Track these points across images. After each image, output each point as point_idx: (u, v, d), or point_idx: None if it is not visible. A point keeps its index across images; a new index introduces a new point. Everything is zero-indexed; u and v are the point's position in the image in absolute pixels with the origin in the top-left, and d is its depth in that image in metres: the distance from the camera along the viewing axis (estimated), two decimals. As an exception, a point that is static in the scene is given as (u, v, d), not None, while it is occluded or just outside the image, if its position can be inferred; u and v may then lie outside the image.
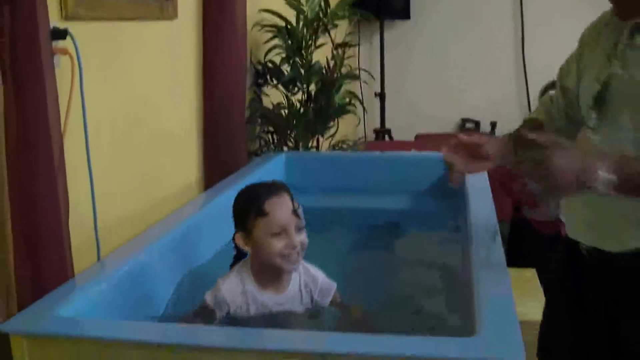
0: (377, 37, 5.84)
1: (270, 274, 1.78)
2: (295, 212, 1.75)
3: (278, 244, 1.72)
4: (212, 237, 2.37)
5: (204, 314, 1.76)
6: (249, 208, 1.76)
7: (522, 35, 5.87)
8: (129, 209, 2.24)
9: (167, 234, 2.08)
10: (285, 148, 3.39)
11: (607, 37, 1.60)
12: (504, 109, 5.91)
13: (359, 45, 5.35)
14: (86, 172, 1.91)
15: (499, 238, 1.93)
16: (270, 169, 3.00)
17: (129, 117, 2.24)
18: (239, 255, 1.88)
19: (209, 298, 1.77)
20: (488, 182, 2.60)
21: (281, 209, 1.74)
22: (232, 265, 1.90)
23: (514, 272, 2.60)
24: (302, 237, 1.75)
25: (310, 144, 3.46)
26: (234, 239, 1.83)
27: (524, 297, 2.62)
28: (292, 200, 1.77)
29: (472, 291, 1.59)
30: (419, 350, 1.32)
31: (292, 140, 3.38)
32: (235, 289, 1.77)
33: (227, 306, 1.76)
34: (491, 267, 1.72)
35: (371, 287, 1.93)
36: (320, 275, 1.84)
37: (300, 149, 3.39)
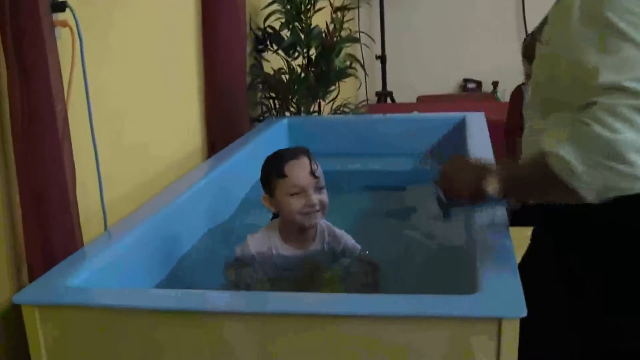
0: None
1: (293, 230, 1.89)
2: (313, 173, 1.85)
3: (297, 203, 1.83)
4: (218, 203, 2.40)
5: (237, 265, 1.89)
6: (271, 171, 1.88)
7: (523, -7, 5.86)
8: (134, 178, 2.26)
9: (173, 201, 2.11)
10: (287, 113, 3.40)
11: None
12: (505, 68, 5.87)
13: (358, 7, 5.31)
14: (90, 143, 1.92)
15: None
16: (272, 134, 3.02)
17: (131, 87, 2.25)
18: (274, 217, 1.99)
19: (238, 252, 1.90)
20: (489, 141, 2.62)
21: (299, 170, 1.84)
22: None
23: (513, 231, 2.62)
24: (321, 197, 1.86)
25: (312, 109, 3.47)
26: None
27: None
28: (312, 162, 1.87)
29: (474, 250, 1.62)
30: (419, 309, 1.34)
31: (294, 105, 3.39)
32: (262, 244, 1.90)
33: (254, 259, 1.88)
34: (493, 226, 1.75)
35: (375, 248, 1.95)
36: (345, 237, 1.94)
37: (302, 113, 3.40)
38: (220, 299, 1.52)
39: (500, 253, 1.57)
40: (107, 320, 1.46)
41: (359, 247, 1.95)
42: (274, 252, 1.90)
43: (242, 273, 1.87)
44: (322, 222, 1.92)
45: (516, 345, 1.30)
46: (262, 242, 1.90)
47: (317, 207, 1.84)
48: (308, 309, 1.40)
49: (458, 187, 1.62)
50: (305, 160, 1.86)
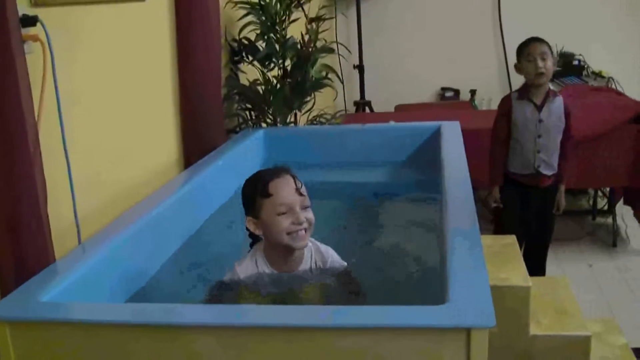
0: (353, 9, 5.83)
1: (281, 253, 1.85)
2: (298, 190, 1.81)
3: (285, 222, 1.79)
4: (194, 216, 2.40)
5: (223, 290, 1.84)
6: (254, 192, 1.83)
7: (499, 2, 5.89)
8: (109, 191, 2.25)
9: (148, 214, 2.10)
10: (263, 124, 3.41)
11: None
12: (482, 76, 5.94)
13: (335, 18, 5.34)
14: (63, 157, 1.92)
15: (472, 206, 1.96)
16: (248, 145, 3.02)
17: (104, 101, 2.24)
18: (253, 242, 1.95)
19: (227, 279, 1.85)
20: (464, 148, 2.64)
21: (284, 188, 1.80)
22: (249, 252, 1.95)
23: (494, 239, 2.64)
24: (308, 215, 1.82)
25: (288, 119, 3.48)
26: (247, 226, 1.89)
27: (505, 264, 2.66)
28: (296, 180, 1.83)
29: (444, 259, 1.63)
30: (388, 320, 1.35)
31: (270, 116, 3.39)
32: (251, 270, 1.85)
33: (245, 287, 1.83)
34: (464, 233, 1.76)
35: (349, 259, 1.96)
36: (330, 254, 1.91)
37: (278, 124, 3.40)
38: (194, 313, 1.52)
39: (471, 262, 1.58)
40: (80, 335, 1.46)
41: (344, 264, 1.92)
42: (263, 277, 1.85)
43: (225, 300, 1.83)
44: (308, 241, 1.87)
45: (485, 354, 1.31)
46: (250, 268, 1.85)
47: (305, 225, 1.80)
48: (277, 322, 1.40)
49: None
50: (289, 178, 1.83)
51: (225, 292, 1.83)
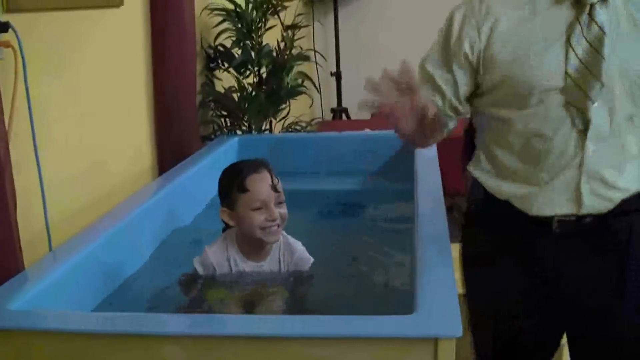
0: (331, 17, 5.85)
1: (252, 245, 1.91)
2: (274, 187, 1.87)
3: (259, 218, 1.85)
4: (167, 223, 2.39)
5: (190, 280, 1.92)
6: (232, 185, 1.88)
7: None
8: (82, 200, 2.24)
9: (121, 221, 2.09)
10: (238, 132, 3.41)
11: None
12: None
13: (313, 25, 5.35)
14: (34, 163, 1.91)
15: (444, 215, 1.98)
16: (223, 152, 3.01)
17: (78, 107, 2.23)
18: (227, 227, 1.99)
19: (197, 264, 1.92)
20: (437, 157, 2.65)
21: (261, 185, 1.86)
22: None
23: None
24: (281, 210, 1.88)
25: (263, 127, 3.48)
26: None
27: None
28: (272, 176, 1.89)
29: (414, 268, 1.64)
30: (355, 330, 1.36)
31: (245, 123, 3.40)
32: (221, 255, 1.92)
33: (214, 269, 1.91)
34: (434, 243, 1.77)
35: (320, 268, 1.96)
36: (298, 248, 1.96)
37: (254, 132, 3.41)
38: (164, 322, 1.52)
39: (440, 272, 1.59)
40: (49, 344, 1.45)
41: (311, 259, 1.96)
42: (232, 264, 1.91)
43: (194, 290, 1.89)
44: None
45: (453, 364, 1.32)
46: (221, 253, 1.92)
47: (278, 221, 1.86)
48: (245, 331, 1.40)
49: None
50: (266, 174, 1.88)
51: (191, 285, 1.90)
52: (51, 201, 1.98)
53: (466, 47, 1.61)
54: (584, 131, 1.53)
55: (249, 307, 1.81)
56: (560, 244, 1.60)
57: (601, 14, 1.51)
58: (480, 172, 1.70)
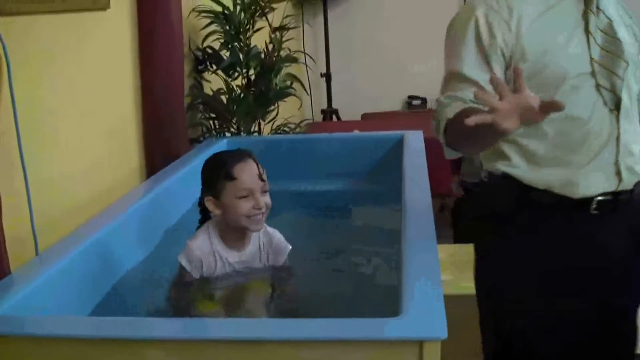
0: (320, 18, 5.85)
1: (235, 234, 1.95)
2: (260, 176, 1.90)
3: (245, 206, 1.88)
4: (155, 225, 2.39)
5: (182, 279, 1.95)
6: (218, 173, 1.91)
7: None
8: (70, 202, 2.23)
9: (108, 224, 2.09)
10: (227, 134, 3.40)
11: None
12: (449, 84, 5.96)
13: (302, 27, 5.35)
14: (20, 167, 1.90)
15: (431, 217, 1.98)
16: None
17: (64, 111, 2.22)
18: (204, 219, 2.03)
19: (182, 260, 1.94)
20: (425, 158, 2.65)
21: (248, 173, 1.90)
22: (197, 228, 2.04)
23: (456, 247, 2.66)
24: (266, 199, 1.92)
25: (252, 129, 3.48)
26: (200, 204, 2.01)
27: (468, 272, 2.67)
28: (258, 165, 1.92)
29: (400, 270, 1.64)
30: (340, 332, 1.36)
31: (233, 125, 3.39)
32: (204, 247, 1.94)
33: (200, 262, 1.93)
34: (421, 246, 1.77)
35: (307, 270, 1.97)
36: (276, 236, 2.01)
37: (242, 134, 3.40)
38: (152, 326, 1.52)
39: (427, 274, 1.59)
40: (35, 349, 1.44)
41: (289, 246, 2.01)
42: (215, 254, 1.94)
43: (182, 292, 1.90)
44: None
45: (439, 367, 1.32)
46: (204, 244, 1.94)
47: (264, 210, 1.89)
48: (231, 335, 1.40)
49: None
50: (252, 164, 1.92)
51: (180, 292, 1.93)
52: (37, 204, 1.97)
53: (500, 42, 1.67)
54: (615, 110, 1.64)
55: (235, 308, 1.82)
56: (601, 224, 1.67)
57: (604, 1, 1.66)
58: (512, 168, 1.73)
